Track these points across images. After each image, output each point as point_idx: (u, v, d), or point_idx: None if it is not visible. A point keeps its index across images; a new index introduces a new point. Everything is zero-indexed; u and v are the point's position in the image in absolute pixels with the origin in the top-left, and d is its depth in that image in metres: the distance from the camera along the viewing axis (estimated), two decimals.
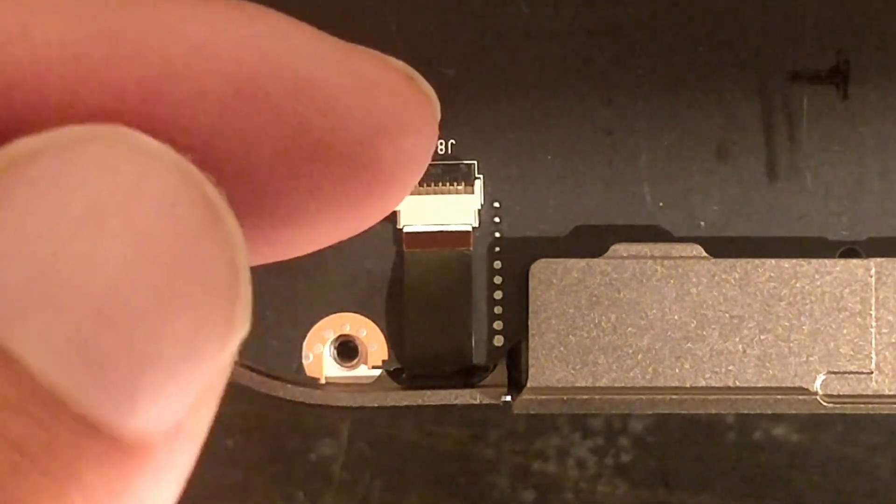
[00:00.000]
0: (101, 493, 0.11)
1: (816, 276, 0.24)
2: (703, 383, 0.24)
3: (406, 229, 0.25)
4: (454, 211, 0.25)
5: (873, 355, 0.24)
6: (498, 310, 0.25)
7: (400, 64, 0.14)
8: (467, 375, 0.25)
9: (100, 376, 0.11)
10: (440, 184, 0.25)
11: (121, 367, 0.11)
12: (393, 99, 0.13)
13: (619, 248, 0.24)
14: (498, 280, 0.25)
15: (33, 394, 0.11)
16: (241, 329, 0.12)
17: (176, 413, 0.11)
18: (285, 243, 0.14)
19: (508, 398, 0.25)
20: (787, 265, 0.24)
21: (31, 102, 0.12)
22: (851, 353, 0.24)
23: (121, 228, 0.11)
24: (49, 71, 0.12)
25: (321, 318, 0.25)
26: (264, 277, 0.25)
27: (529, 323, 0.24)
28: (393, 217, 0.25)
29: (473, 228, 0.25)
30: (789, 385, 0.24)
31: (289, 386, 0.25)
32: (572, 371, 0.24)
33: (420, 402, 0.25)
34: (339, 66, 0.13)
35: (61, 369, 0.11)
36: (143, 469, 0.11)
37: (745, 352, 0.24)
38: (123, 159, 0.11)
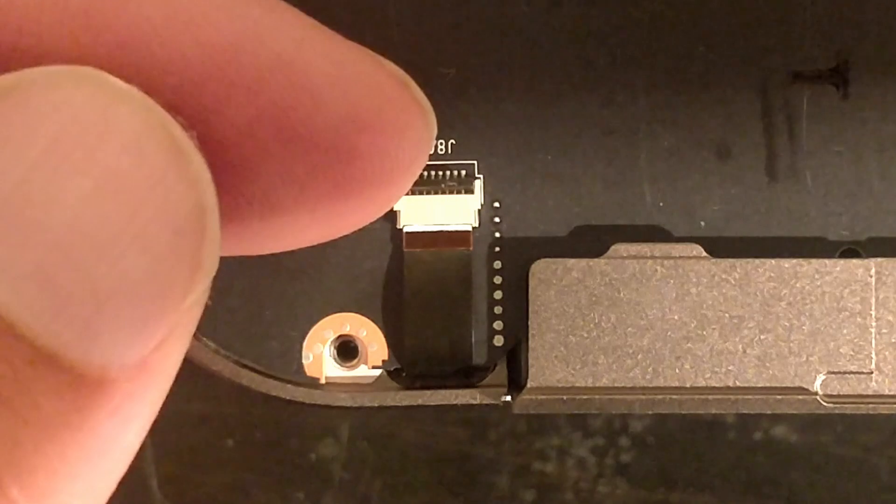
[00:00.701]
0: (60, 426, 0.11)
1: (816, 276, 0.24)
2: (703, 383, 0.24)
3: (406, 229, 0.25)
4: (454, 211, 0.25)
5: (873, 355, 0.24)
6: (498, 310, 0.25)
7: (394, 68, 0.14)
8: (467, 375, 0.25)
9: (60, 309, 0.11)
10: (440, 184, 0.25)
11: (82, 301, 0.11)
12: (377, 97, 0.13)
13: (619, 248, 0.24)
14: (498, 280, 0.25)
15: None
16: (209, 269, 0.12)
17: (139, 350, 0.11)
18: (266, 233, 0.14)
19: (508, 398, 0.25)
20: (787, 265, 0.24)
21: (7, 45, 0.12)
22: (851, 353, 0.24)
23: (84, 163, 0.11)
24: (27, 15, 0.12)
25: (321, 318, 0.25)
26: (264, 277, 0.25)
27: (529, 323, 0.24)
28: (393, 217, 0.25)
29: (473, 228, 0.25)
30: (789, 385, 0.24)
31: (289, 386, 0.25)
32: (572, 371, 0.24)
33: (420, 402, 0.25)
34: (324, 53, 0.13)
35: (22, 301, 0.11)
36: (103, 404, 0.11)
37: (745, 352, 0.24)
38: (90, 97, 0.11)
